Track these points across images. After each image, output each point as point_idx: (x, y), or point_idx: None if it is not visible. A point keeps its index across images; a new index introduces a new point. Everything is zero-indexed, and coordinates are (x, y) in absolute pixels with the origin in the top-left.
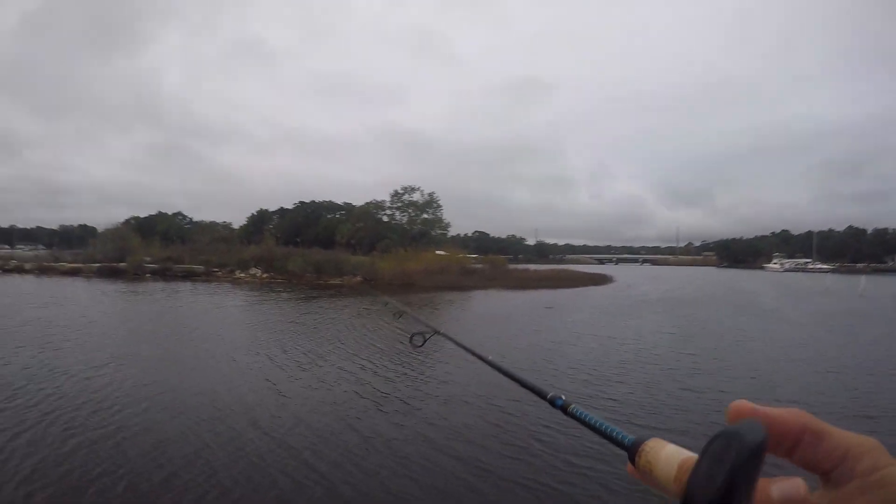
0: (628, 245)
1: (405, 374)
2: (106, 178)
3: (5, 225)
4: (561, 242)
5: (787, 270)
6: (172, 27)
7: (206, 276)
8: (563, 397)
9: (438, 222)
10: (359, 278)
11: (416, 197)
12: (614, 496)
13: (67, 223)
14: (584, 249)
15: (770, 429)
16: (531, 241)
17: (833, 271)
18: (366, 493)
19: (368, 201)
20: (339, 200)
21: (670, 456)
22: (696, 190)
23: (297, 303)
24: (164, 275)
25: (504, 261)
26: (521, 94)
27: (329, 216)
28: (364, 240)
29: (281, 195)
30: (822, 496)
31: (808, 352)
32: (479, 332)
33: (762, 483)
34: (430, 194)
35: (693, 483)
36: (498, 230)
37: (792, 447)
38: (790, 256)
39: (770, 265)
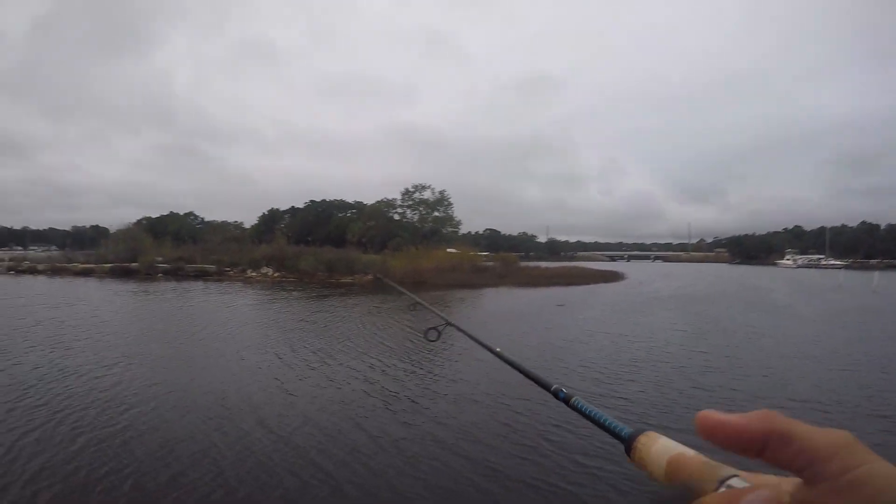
0: (640, 242)
1: (414, 372)
2: (117, 180)
3: (18, 227)
4: (572, 240)
5: (799, 266)
6: (181, 29)
7: (218, 276)
8: (565, 390)
9: (449, 220)
10: (370, 276)
11: (426, 195)
12: (624, 497)
13: (79, 224)
14: (596, 246)
15: (733, 438)
16: (542, 239)
17: (846, 267)
18: (372, 493)
19: (379, 200)
20: (350, 199)
21: (660, 452)
22: (707, 186)
23: (307, 301)
24: (175, 274)
25: (515, 258)
26: (530, 92)
27: (340, 215)
28: (375, 238)
29: (292, 194)
30: (801, 492)
31: (820, 349)
32: (490, 330)
33: (734, 494)
34: (441, 192)
35: None
36: (509, 228)
37: (760, 450)
38: (803, 252)
39: (783, 261)
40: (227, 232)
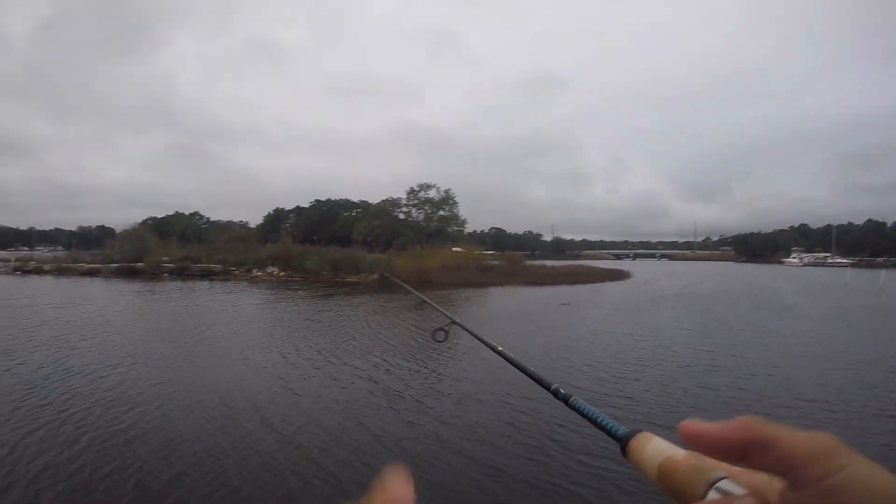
0: (645, 240)
1: (419, 371)
2: (122, 180)
3: (24, 227)
4: (578, 238)
5: (805, 265)
6: (186, 29)
7: (224, 275)
8: (564, 390)
9: (455, 219)
10: (375, 276)
11: (432, 194)
12: (628, 497)
13: (85, 224)
14: (601, 245)
15: (714, 446)
16: (548, 237)
17: (852, 265)
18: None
19: (385, 199)
20: (356, 198)
21: (652, 454)
22: (713, 184)
23: (313, 300)
24: (181, 274)
25: (521, 257)
26: (535, 90)
27: (345, 214)
28: (380, 237)
29: (297, 194)
30: (786, 494)
31: (827, 348)
32: (496, 329)
33: None
34: (447, 191)
35: None
36: (514, 226)
37: (741, 457)
38: (809, 250)
39: (788, 259)
40: (232, 231)
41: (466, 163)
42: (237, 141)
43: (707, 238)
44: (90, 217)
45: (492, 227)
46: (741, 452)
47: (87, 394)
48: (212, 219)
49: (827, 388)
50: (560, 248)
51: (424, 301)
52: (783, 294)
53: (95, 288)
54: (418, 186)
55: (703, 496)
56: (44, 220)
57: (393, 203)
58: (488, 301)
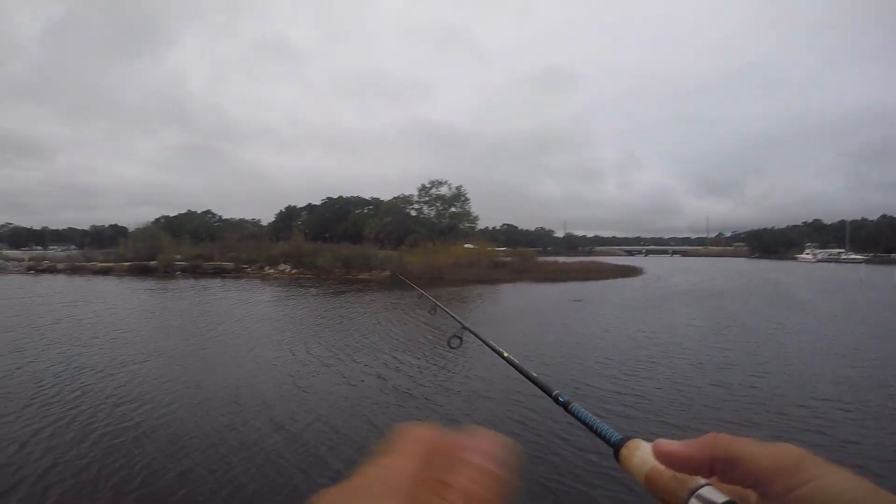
0: (658, 236)
1: (428, 369)
2: (135, 179)
3: (38, 227)
4: (590, 234)
5: (819, 261)
6: (196, 29)
7: (236, 273)
8: (563, 398)
9: (466, 216)
10: (387, 273)
11: (443, 191)
12: (639, 499)
13: (98, 224)
14: (614, 241)
15: (683, 464)
16: (560, 234)
17: (866, 261)
18: None
19: (396, 196)
20: (367, 196)
21: (640, 464)
22: (725, 179)
23: (324, 298)
24: (194, 272)
25: (533, 253)
26: (546, 85)
27: (357, 211)
28: (392, 234)
29: (309, 191)
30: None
31: (841, 345)
32: (508, 326)
33: None
34: (458, 188)
35: None
36: (526, 223)
37: (710, 473)
38: (822, 246)
39: (802, 255)
40: (244, 229)
41: (478, 159)
42: (248, 139)
43: (720, 234)
44: (103, 216)
45: (503, 224)
46: (709, 469)
47: (98, 391)
48: (224, 217)
49: (842, 387)
50: (572, 244)
51: (437, 306)
52: (797, 290)
53: (108, 286)
54: (430, 183)
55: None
56: (57, 220)
57: (404, 200)
58: (500, 298)
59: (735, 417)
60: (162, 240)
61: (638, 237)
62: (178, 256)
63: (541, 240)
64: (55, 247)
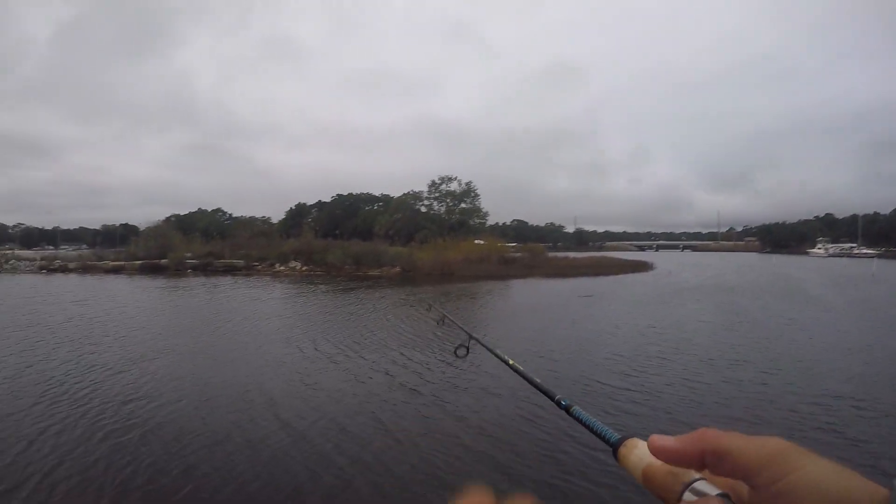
0: (669, 231)
1: (437, 365)
2: (146, 178)
3: (49, 227)
4: (600, 229)
5: (831, 255)
6: (204, 28)
7: (247, 271)
8: (565, 401)
9: (476, 211)
10: (398, 269)
11: (453, 187)
12: (647, 498)
13: (109, 223)
14: (624, 236)
15: (676, 458)
16: (570, 229)
17: (879, 256)
18: (386, 490)
19: (406, 192)
20: (377, 192)
21: (637, 462)
22: (736, 173)
23: (334, 295)
24: (205, 270)
25: (543, 249)
26: (555, 80)
27: (367, 208)
28: (402, 231)
29: (319, 189)
30: (750, 496)
31: (854, 341)
32: (517, 323)
33: None
34: (468, 184)
35: None
36: (537, 218)
37: (701, 466)
38: (834, 241)
39: (814, 250)
40: (255, 227)
41: (488, 155)
42: (258, 137)
43: (731, 228)
44: (114, 216)
45: (514, 220)
46: (700, 462)
47: (107, 389)
48: (234, 215)
49: (854, 383)
50: (582, 239)
51: (445, 317)
52: (808, 285)
53: (119, 285)
54: (440, 179)
55: (680, 498)
56: (68, 220)
57: (414, 196)
58: (511, 294)
59: (746, 415)
60: (173, 238)
61: (649, 232)
62: (189, 254)
63: (551, 235)
64: (66, 246)
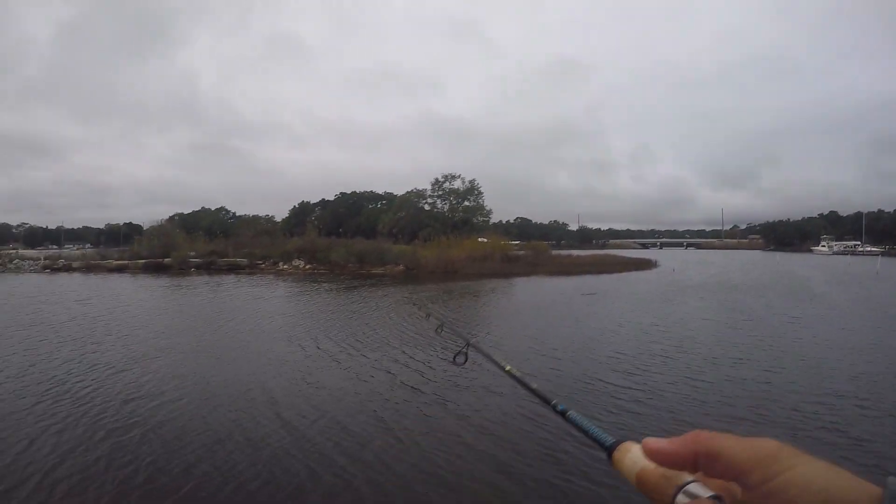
0: (672, 229)
1: (438, 364)
2: (149, 178)
3: (53, 226)
4: (604, 227)
5: (835, 253)
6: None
7: (250, 269)
8: (562, 406)
9: (480, 209)
10: (401, 267)
11: (457, 185)
12: (643, 499)
13: (113, 222)
14: (628, 234)
15: (669, 460)
16: (574, 227)
17: (883, 254)
18: (387, 489)
19: (409, 190)
20: (380, 190)
21: (630, 466)
22: (740, 171)
23: (337, 293)
24: (208, 268)
25: (546, 247)
26: (558, 77)
27: (370, 206)
28: (406, 229)
29: (322, 187)
30: (742, 496)
31: (858, 339)
32: (520, 321)
33: None
34: (472, 181)
35: None
36: (540, 216)
37: (694, 468)
38: (838, 239)
39: (818, 248)
40: (258, 226)
41: (491, 152)
42: (261, 136)
43: (735, 226)
44: (117, 215)
45: (517, 217)
46: (694, 464)
47: (108, 387)
48: (238, 214)
49: (858, 382)
50: (586, 237)
51: (443, 326)
52: (812, 283)
53: (123, 284)
54: (443, 177)
55: (673, 500)
56: (72, 219)
57: (418, 194)
58: (514, 292)
59: (749, 414)
60: (176, 237)
61: (652, 230)
62: (193, 253)
63: (554, 233)
64: (70, 246)
